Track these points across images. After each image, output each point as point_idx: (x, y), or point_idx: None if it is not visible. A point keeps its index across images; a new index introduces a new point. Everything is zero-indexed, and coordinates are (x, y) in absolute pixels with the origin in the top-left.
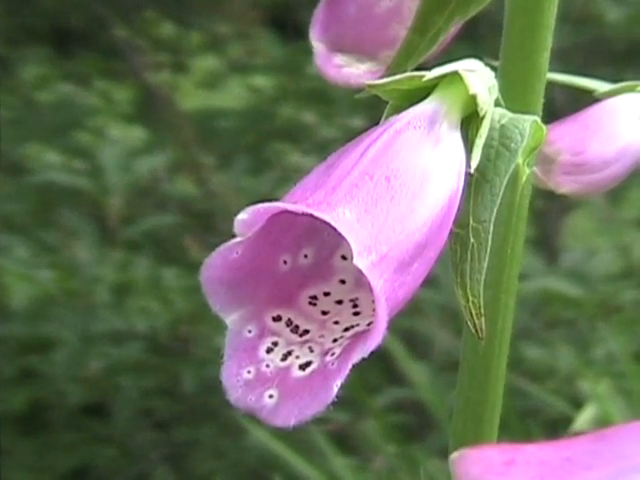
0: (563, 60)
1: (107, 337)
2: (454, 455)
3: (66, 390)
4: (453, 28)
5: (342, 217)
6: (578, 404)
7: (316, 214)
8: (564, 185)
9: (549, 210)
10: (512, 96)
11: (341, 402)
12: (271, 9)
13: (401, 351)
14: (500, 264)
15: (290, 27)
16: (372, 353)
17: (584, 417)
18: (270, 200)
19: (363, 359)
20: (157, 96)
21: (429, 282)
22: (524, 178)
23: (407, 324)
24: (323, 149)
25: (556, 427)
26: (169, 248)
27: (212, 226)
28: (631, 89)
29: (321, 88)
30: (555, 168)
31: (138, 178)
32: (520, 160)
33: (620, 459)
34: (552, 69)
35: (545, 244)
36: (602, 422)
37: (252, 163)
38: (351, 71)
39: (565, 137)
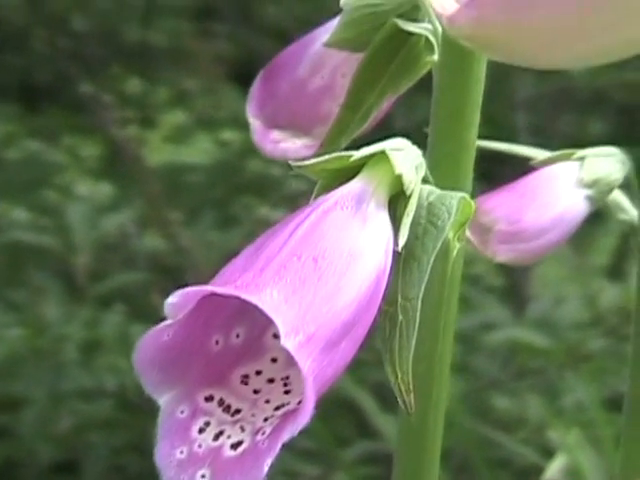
0: (530, 109)
1: (76, 395)
2: None
3: (36, 448)
4: (386, 102)
5: (269, 299)
6: (549, 453)
7: (243, 297)
8: (501, 254)
9: None
10: (441, 173)
11: (312, 455)
12: (235, 64)
13: (371, 404)
14: (433, 337)
15: (254, 81)
16: (343, 407)
17: (554, 467)
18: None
19: (334, 412)
20: (124, 151)
21: None
22: (455, 252)
23: (377, 377)
24: (292, 202)
25: (527, 477)
26: (138, 304)
27: (181, 281)
28: (567, 157)
29: None
30: (492, 238)
31: (106, 234)
32: (450, 235)
33: None
34: (519, 118)
35: (514, 293)
36: (572, 471)
37: (221, 217)
38: (287, 146)
39: (501, 206)
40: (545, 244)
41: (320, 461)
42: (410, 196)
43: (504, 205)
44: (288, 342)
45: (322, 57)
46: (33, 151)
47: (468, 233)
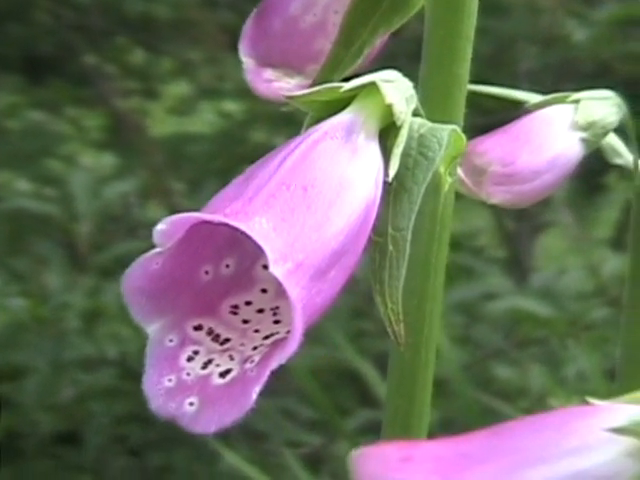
0: (533, 81)
1: (78, 364)
2: (353, 453)
3: (38, 418)
4: (379, 40)
5: (258, 226)
6: None
7: (232, 224)
8: (495, 196)
9: (520, 231)
10: (433, 106)
11: (314, 425)
12: (238, 34)
13: (373, 374)
14: (424, 273)
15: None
16: (345, 376)
17: None
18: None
19: (336, 382)
20: (127, 122)
21: None
22: (446, 187)
23: (379, 347)
24: None
25: None
26: None
27: None
28: (561, 100)
29: (290, 111)
30: (486, 179)
31: (108, 204)
32: (442, 169)
33: (513, 453)
34: (522, 89)
35: (516, 265)
36: None
37: (222, 187)
38: (280, 85)
39: (496, 148)
40: (540, 186)
41: (322, 431)
42: (401, 127)
43: (498, 147)
44: (277, 269)
45: None
46: (36, 122)
47: (462, 175)
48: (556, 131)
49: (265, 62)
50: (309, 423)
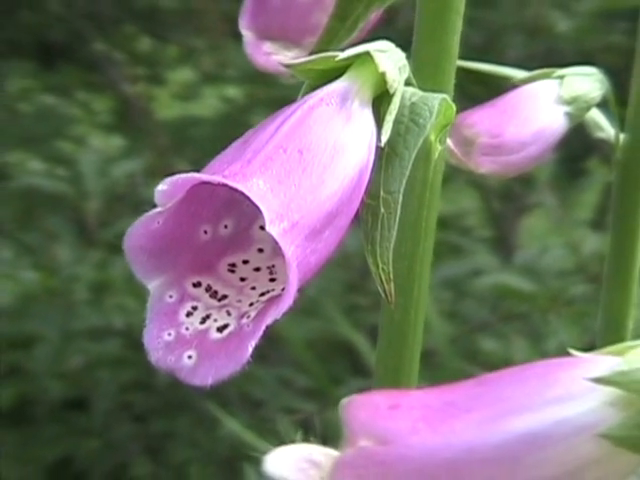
0: (519, 69)
1: (86, 333)
2: (344, 401)
3: (48, 385)
4: (374, 14)
5: (256, 187)
6: None
7: (231, 184)
8: (483, 165)
9: (506, 212)
10: (424, 77)
11: (309, 393)
12: None
13: (365, 346)
14: (415, 236)
15: None
16: (339, 348)
17: None
18: None
19: (331, 354)
20: (135, 107)
21: None
22: (436, 154)
23: (372, 320)
24: None
25: None
26: None
27: None
28: (547, 76)
29: (290, 96)
30: (474, 150)
31: (115, 183)
32: (432, 137)
33: (497, 402)
34: None
35: (502, 244)
36: None
37: None
38: (279, 58)
39: (484, 121)
40: (526, 157)
41: (316, 399)
42: (393, 95)
43: (486, 119)
44: (273, 229)
45: None
46: (48, 105)
47: (452, 145)
48: (541, 105)
49: (264, 35)
50: (304, 391)
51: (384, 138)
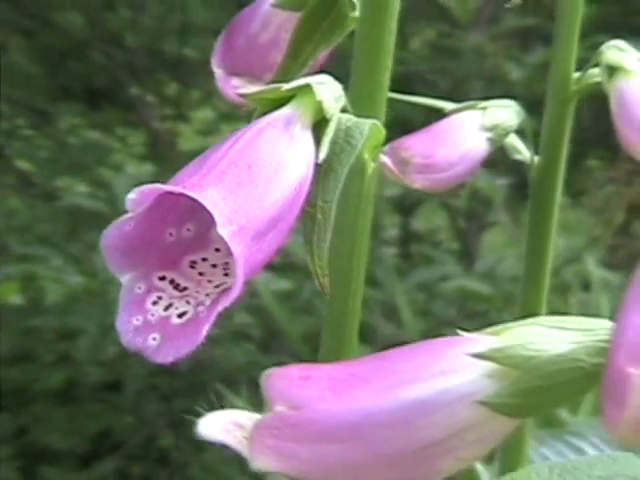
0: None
1: None
2: (265, 372)
3: (89, 371)
4: (322, 54)
5: (210, 196)
6: None
7: (189, 194)
8: (417, 181)
9: (469, 229)
10: (360, 106)
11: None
12: None
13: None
14: (352, 239)
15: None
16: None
17: None
18: None
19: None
20: (163, 140)
21: (374, 284)
22: (370, 170)
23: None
24: None
25: None
26: None
27: None
28: (472, 107)
29: None
30: (410, 169)
31: None
32: (366, 155)
33: (393, 374)
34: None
35: (466, 255)
36: None
37: None
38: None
39: (418, 144)
40: (453, 175)
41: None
42: (330, 120)
43: (420, 143)
44: (223, 231)
45: (270, 16)
46: (93, 139)
47: (392, 165)
48: (467, 131)
49: (232, 72)
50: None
51: (321, 156)
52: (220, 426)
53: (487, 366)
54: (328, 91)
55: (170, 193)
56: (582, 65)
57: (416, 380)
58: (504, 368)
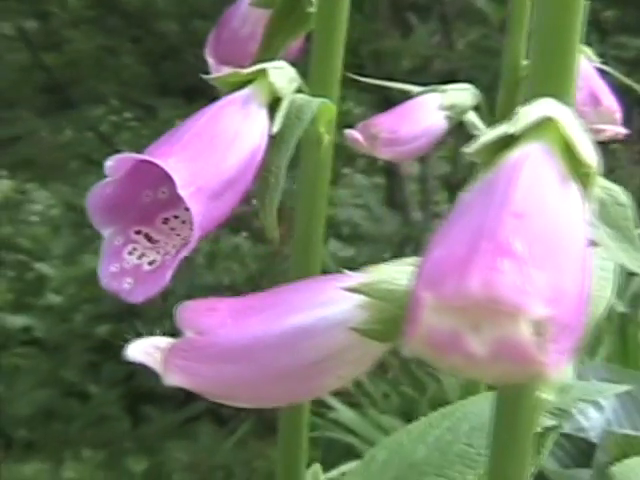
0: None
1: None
2: (179, 305)
3: None
4: (294, 44)
5: (171, 163)
6: None
7: (155, 161)
8: (384, 153)
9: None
10: (316, 88)
11: None
12: None
13: None
14: (312, 200)
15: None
16: None
17: None
18: None
19: None
20: None
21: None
22: (325, 141)
23: None
24: None
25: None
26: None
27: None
28: (434, 90)
29: None
30: (378, 142)
31: None
32: (321, 129)
33: (281, 305)
34: None
35: None
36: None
37: None
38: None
39: (386, 122)
40: (415, 148)
41: None
42: (282, 99)
43: (387, 121)
44: (183, 192)
45: (249, 13)
46: None
47: (362, 139)
48: (429, 110)
49: (221, 61)
50: None
51: (275, 129)
52: (142, 349)
53: (359, 298)
54: (282, 74)
55: (143, 161)
56: None
57: (300, 310)
58: (372, 300)
